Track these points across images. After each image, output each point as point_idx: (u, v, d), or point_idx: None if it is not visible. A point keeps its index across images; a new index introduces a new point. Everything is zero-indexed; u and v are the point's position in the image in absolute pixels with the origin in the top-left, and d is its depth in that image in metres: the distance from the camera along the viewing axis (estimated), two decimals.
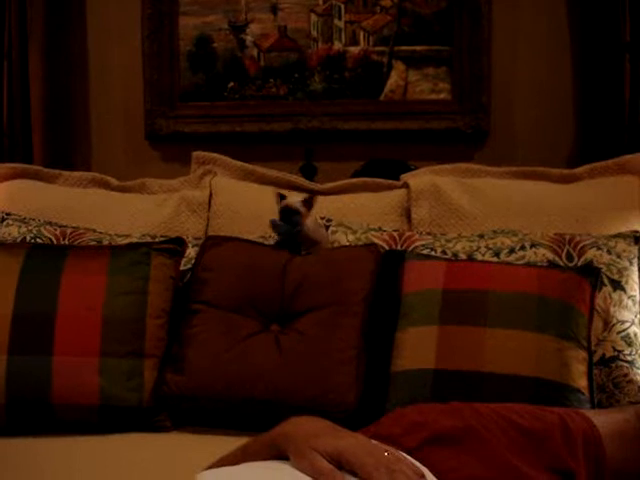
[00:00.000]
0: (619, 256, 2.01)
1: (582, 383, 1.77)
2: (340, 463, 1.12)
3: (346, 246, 2.10)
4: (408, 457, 1.21)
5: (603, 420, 1.50)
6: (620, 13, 2.46)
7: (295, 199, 2.09)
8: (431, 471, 1.27)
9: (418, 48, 2.71)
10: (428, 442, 1.33)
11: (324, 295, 1.91)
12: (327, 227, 2.18)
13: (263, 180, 2.43)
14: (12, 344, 1.86)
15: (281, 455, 1.19)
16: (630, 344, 1.93)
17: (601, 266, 1.97)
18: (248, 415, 1.85)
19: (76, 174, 2.54)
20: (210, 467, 1.26)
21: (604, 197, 2.26)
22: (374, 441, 1.21)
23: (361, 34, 2.72)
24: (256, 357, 1.87)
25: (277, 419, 1.80)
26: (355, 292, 1.91)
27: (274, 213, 2.17)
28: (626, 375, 1.90)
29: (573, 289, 1.86)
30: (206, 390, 1.88)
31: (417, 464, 1.21)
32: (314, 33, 2.73)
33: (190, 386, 1.88)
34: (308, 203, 2.07)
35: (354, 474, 1.10)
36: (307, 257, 2.02)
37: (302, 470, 1.12)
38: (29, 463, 1.69)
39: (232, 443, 1.68)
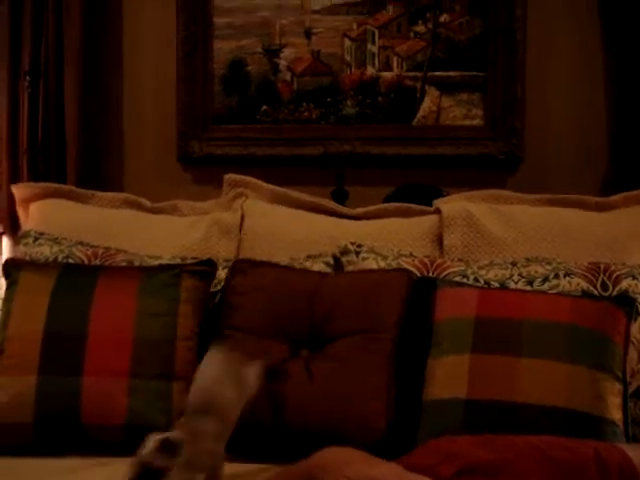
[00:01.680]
0: None
1: (617, 415, 1.74)
2: None
3: (377, 270, 2.09)
4: None
5: (638, 454, 1.47)
6: None
7: (151, 446, 1.40)
8: None
9: (452, 74, 2.70)
10: (463, 472, 1.32)
11: (355, 320, 1.90)
12: (357, 253, 2.16)
13: (294, 204, 2.43)
14: (43, 363, 1.87)
15: None
16: None
17: (636, 296, 1.94)
18: (277, 442, 1.83)
19: (109, 195, 2.56)
20: None
21: (638, 225, 2.23)
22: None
23: (395, 59, 2.72)
24: (286, 383, 1.85)
25: (306, 447, 1.80)
26: (386, 317, 1.90)
27: (305, 236, 2.17)
28: None
29: (608, 319, 1.83)
30: None
31: None
32: (347, 58, 2.73)
33: None
34: (169, 448, 1.40)
35: None
36: (338, 280, 2.01)
37: None
38: None
39: (259, 472, 1.68)
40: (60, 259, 2.22)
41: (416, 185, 2.63)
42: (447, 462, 1.35)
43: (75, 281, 2.00)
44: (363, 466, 1.17)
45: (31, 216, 2.50)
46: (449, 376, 1.81)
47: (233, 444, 1.82)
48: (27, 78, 2.72)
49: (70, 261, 2.21)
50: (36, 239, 2.32)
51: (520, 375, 1.75)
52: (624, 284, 1.97)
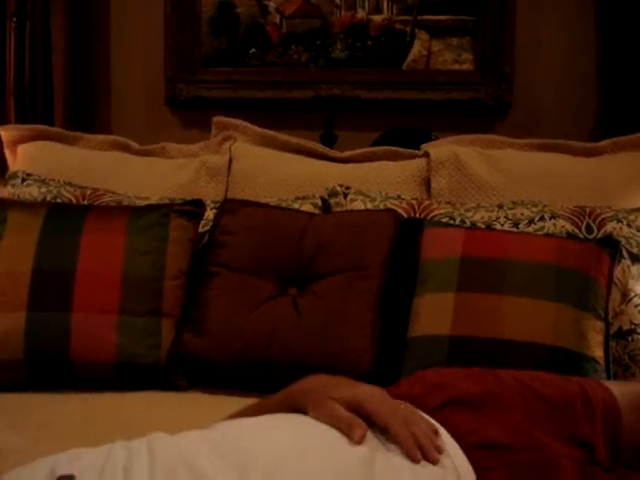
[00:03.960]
0: (639, 229, 2.00)
1: (598, 353, 1.77)
2: (357, 411, 1.13)
3: (365, 210, 2.10)
4: (423, 414, 1.22)
5: (622, 391, 1.49)
6: None
7: None
8: (449, 432, 1.27)
9: (442, 18, 2.69)
10: (448, 404, 1.33)
11: (342, 259, 1.91)
12: (345, 195, 2.17)
13: (283, 147, 2.42)
14: (31, 301, 1.87)
15: (298, 411, 1.20)
16: None
17: (621, 239, 1.96)
18: (264, 376, 1.86)
19: (97, 137, 2.55)
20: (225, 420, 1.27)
21: (626, 171, 2.25)
22: None
23: (385, 3, 2.70)
24: (273, 320, 1.88)
25: (293, 381, 1.83)
26: (374, 256, 1.91)
27: (293, 179, 2.17)
28: None
29: (592, 260, 1.85)
30: (222, 351, 1.89)
31: (433, 422, 1.22)
32: (337, 0, 2.71)
33: (207, 347, 1.90)
34: None
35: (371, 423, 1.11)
36: (325, 220, 2.02)
37: (321, 419, 1.13)
38: (46, 418, 1.70)
39: (247, 403, 1.71)
40: (48, 199, 2.22)
41: (405, 129, 2.64)
42: (432, 393, 1.36)
43: (63, 220, 1.99)
44: (346, 387, 1.19)
45: (19, 158, 2.50)
46: (434, 313, 1.83)
47: (230, 376, 1.86)
48: (14, 19, 2.69)
49: (58, 201, 2.21)
50: (24, 180, 2.32)
51: (504, 313, 1.77)
52: (609, 227, 1.99)
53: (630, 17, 2.51)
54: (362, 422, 1.11)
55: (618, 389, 1.50)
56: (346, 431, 1.09)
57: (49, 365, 1.87)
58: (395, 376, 1.71)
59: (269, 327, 1.86)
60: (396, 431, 1.11)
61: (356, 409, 1.13)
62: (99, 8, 2.80)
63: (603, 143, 2.34)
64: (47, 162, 2.42)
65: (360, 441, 1.08)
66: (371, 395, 1.16)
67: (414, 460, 1.10)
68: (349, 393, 1.15)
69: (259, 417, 1.20)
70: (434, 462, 1.12)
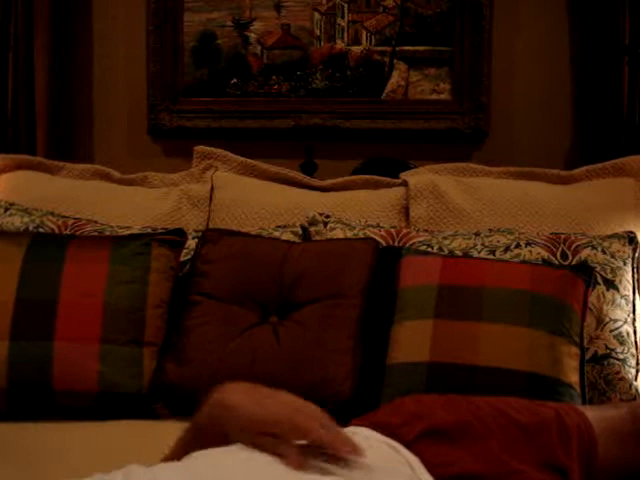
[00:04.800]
0: (613, 256, 2.03)
1: (574, 378, 1.80)
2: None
3: (345, 239, 2.13)
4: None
5: (597, 416, 1.52)
6: (620, 16, 2.48)
7: None
8: (424, 464, 1.30)
9: (420, 48, 2.74)
10: (424, 435, 1.36)
11: (322, 287, 1.94)
12: (325, 223, 2.20)
13: (264, 175, 2.45)
14: (14, 330, 1.88)
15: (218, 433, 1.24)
16: (622, 342, 1.95)
17: (595, 265, 1.99)
18: None
19: (79, 166, 2.56)
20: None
21: (601, 198, 2.28)
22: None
23: (364, 34, 2.75)
24: (254, 348, 1.89)
25: None
26: (353, 285, 1.94)
27: (274, 207, 2.20)
28: (618, 373, 1.93)
29: (567, 287, 1.88)
30: (204, 380, 1.89)
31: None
32: (317, 32, 2.76)
33: (189, 376, 1.91)
34: None
35: None
36: (305, 249, 2.05)
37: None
38: (28, 448, 1.70)
39: None
40: (31, 229, 2.23)
41: (384, 158, 2.67)
42: (410, 423, 1.38)
43: (46, 249, 2.01)
44: (256, 409, 1.24)
45: (1, 187, 2.50)
46: (412, 341, 1.85)
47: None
48: None
49: (41, 231, 2.22)
50: (6, 209, 2.33)
51: (481, 339, 1.80)
52: (583, 254, 2.02)
53: (605, 47, 2.56)
54: (293, 448, 1.14)
55: (593, 414, 1.53)
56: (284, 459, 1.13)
57: (31, 394, 1.88)
58: (375, 403, 1.74)
59: (250, 356, 1.88)
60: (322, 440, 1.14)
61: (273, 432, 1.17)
62: (82, 38, 2.83)
63: (578, 171, 2.38)
64: (30, 191, 2.43)
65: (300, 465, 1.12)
66: (280, 413, 1.20)
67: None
68: (259, 420, 1.19)
69: (234, 447, 1.22)
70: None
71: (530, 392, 1.71)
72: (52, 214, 2.30)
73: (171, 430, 1.82)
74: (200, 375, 1.89)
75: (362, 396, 1.83)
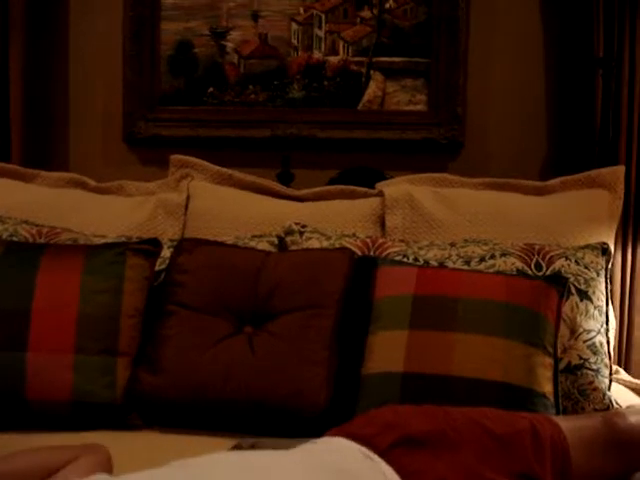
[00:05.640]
0: (587, 267, 2.05)
1: (547, 388, 1.81)
2: None
3: (320, 249, 2.13)
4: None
5: (571, 427, 1.53)
6: (594, 29, 2.51)
7: None
8: (399, 472, 1.30)
9: (396, 59, 2.75)
10: (399, 444, 1.36)
11: (297, 297, 1.94)
12: (301, 233, 2.20)
13: (240, 185, 2.45)
14: None
15: None
16: (595, 353, 1.97)
17: (569, 276, 2.01)
18: (219, 415, 1.87)
19: (54, 174, 2.55)
20: None
21: (574, 209, 2.31)
22: None
23: (341, 44, 2.76)
24: (229, 358, 1.89)
25: (248, 419, 1.85)
26: (328, 294, 1.94)
27: (250, 217, 2.19)
28: (591, 383, 1.94)
29: (541, 297, 1.90)
30: (179, 390, 1.89)
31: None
32: (294, 41, 2.76)
33: (163, 386, 1.90)
34: None
35: None
36: (281, 259, 2.05)
37: None
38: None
39: (202, 442, 1.72)
40: (4, 237, 2.21)
41: (360, 168, 2.68)
42: (384, 433, 1.39)
43: (19, 258, 1.99)
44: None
45: None
46: (387, 351, 1.86)
47: (186, 415, 1.87)
48: None
49: (14, 239, 2.20)
50: None
51: (455, 350, 1.81)
52: (557, 264, 2.04)
53: (579, 59, 2.59)
54: None
55: (567, 425, 1.55)
56: None
57: (4, 404, 1.87)
58: (350, 413, 1.74)
59: (224, 366, 1.87)
60: None
61: None
62: (58, 45, 2.81)
63: (552, 182, 2.41)
64: (4, 199, 2.41)
65: None
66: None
67: None
68: None
69: (210, 456, 1.22)
70: None
71: (504, 402, 1.71)
72: (26, 222, 2.29)
73: (145, 440, 1.83)
74: (175, 385, 1.89)
75: (337, 406, 1.84)
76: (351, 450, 1.30)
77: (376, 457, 1.28)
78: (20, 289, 1.93)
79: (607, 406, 1.94)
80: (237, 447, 1.49)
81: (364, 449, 1.33)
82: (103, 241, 2.18)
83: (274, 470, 1.21)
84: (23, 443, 1.75)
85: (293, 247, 2.18)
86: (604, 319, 2.04)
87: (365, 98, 2.76)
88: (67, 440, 1.78)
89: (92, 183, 2.51)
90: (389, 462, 1.31)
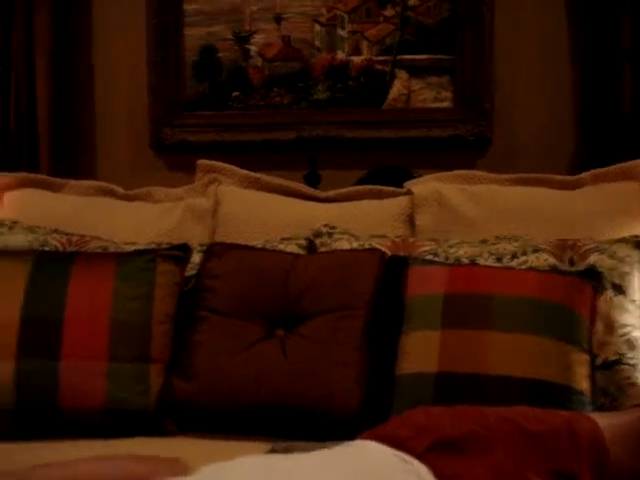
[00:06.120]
0: (621, 261, 2.02)
1: (584, 386, 1.78)
2: None
3: (350, 250, 2.12)
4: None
5: (608, 423, 1.51)
6: (620, 20, 2.48)
7: None
8: (436, 475, 1.29)
9: (421, 57, 2.73)
10: (434, 447, 1.35)
11: (328, 299, 1.93)
12: (330, 235, 2.19)
13: (268, 188, 2.45)
14: (20, 348, 1.88)
15: None
16: (632, 348, 1.94)
17: (603, 270, 1.98)
18: (252, 420, 1.87)
19: (82, 183, 2.56)
20: None
21: (606, 203, 2.27)
22: None
23: (364, 44, 2.75)
24: (261, 362, 1.89)
25: (281, 423, 1.84)
26: (359, 296, 1.93)
27: (279, 220, 2.19)
28: (628, 378, 1.91)
29: (575, 293, 1.87)
30: (212, 396, 1.90)
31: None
32: (317, 43, 2.76)
33: (196, 392, 1.90)
34: None
35: None
36: (311, 261, 2.04)
37: None
38: None
39: (236, 447, 1.71)
40: (35, 247, 2.22)
41: (387, 168, 2.67)
42: (420, 436, 1.38)
43: (51, 267, 2.01)
44: None
45: (5, 206, 2.50)
46: (420, 351, 1.84)
47: (220, 420, 1.87)
48: None
49: (45, 249, 2.21)
50: (10, 228, 2.32)
51: (489, 348, 1.79)
52: (591, 259, 2.01)
53: (606, 51, 2.56)
54: None
55: (604, 421, 1.52)
56: None
57: (38, 413, 1.88)
58: (384, 415, 1.73)
59: (257, 370, 1.87)
60: None
61: None
62: (83, 54, 2.83)
63: (583, 176, 2.37)
64: (33, 209, 2.43)
65: None
66: None
67: None
68: None
69: (241, 461, 1.21)
70: None
71: (540, 400, 1.69)
72: (56, 231, 2.30)
73: (180, 446, 1.82)
74: (207, 391, 1.89)
75: (370, 409, 1.82)
76: (384, 453, 1.29)
77: (411, 459, 1.27)
78: (52, 298, 1.94)
79: None
80: (271, 452, 1.49)
81: (399, 452, 1.32)
82: (133, 248, 2.19)
83: (297, 473, 1.20)
84: (57, 451, 1.76)
85: (322, 249, 2.17)
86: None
87: (390, 97, 2.75)
88: (101, 447, 1.79)
89: (120, 191, 2.52)
90: (425, 465, 1.30)
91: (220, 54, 2.78)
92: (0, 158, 2.72)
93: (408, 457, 1.26)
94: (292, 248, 2.17)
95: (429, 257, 2.06)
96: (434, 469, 1.28)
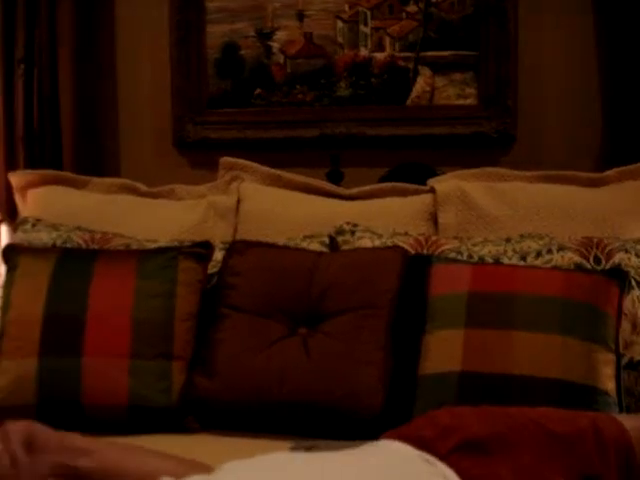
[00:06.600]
0: None
1: (610, 386, 1.76)
2: None
3: (373, 248, 2.11)
4: None
5: (635, 425, 1.49)
6: None
7: None
8: (461, 477, 1.28)
9: (444, 53, 2.71)
10: (459, 448, 1.34)
11: (351, 297, 1.92)
12: (353, 233, 2.18)
13: (290, 185, 2.44)
14: (43, 346, 1.90)
15: None
16: None
17: (629, 269, 1.96)
18: (275, 418, 1.86)
19: (105, 180, 2.58)
20: None
21: (633, 200, 2.25)
22: None
23: (387, 40, 2.73)
24: (284, 360, 1.88)
25: (304, 421, 1.84)
26: (382, 294, 1.92)
27: (301, 217, 2.18)
28: None
29: (600, 292, 1.85)
30: (234, 393, 1.90)
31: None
32: (340, 39, 2.74)
33: (218, 389, 1.90)
34: None
35: None
36: (333, 259, 2.03)
37: None
38: None
39: (258, 445, 1.71)
40: (58, 244, 2.24)
41: (410, 165, 2.65)
42: (444, 437, 1.37)
43: (74, 264, 2.02)
44: None
45: (29, 203, 2.52)
46: (444, 350, 1.83)
47: (242, 418, 1.86)
48: (21, 66, 2.73)
49: (68, 246, 2.22)
50: (34, 225, 2.34)
51: (514, 348, 1.78)
52: (617, 258, 1.99)
53: (633, 46, 2.52)
54: None
55: (631, 423, 1.50)
56: None
57: (61, 409, 1.89)
58: (407, 415, 1.72)
59: (279, 368, 1.87)
60: None
61: None
62: (106, 53, 2.84)
63: (609, 173, 2.34)
64: (57, 207, 2.45)
65: None
66: None
67: None
68: None
69: (264, 457, 1.21)
70: None
71: (565, 401, 1.68)
72: (79, 229, 2.31)
73: (202, 444, 1.83)
74: (230, 388, 1.89)
75: (393, 408, 1.82)
76: (409, 455, 1.28)
77: (437, 461, 1.26)
78: (75, 295, 1.95)
79: None
80: (293, 450, 1.48)
81: (423, 453, 1.31)
82: (155, 245, 2.19)
83: (320, 472, 1.19)
84: None
85: (345, 247, 2.16)
86: None
87: (413, 94, 2.73)
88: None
89: (143, 188, 2.53)
90: (450, 466, 1.29)
91: (242, 51, 2.78)
92: (24, 156, 2.73)
93: (432, 458, 1.25)
94: (314, 246, 2.16)
95: (452, 255, 2.04)
96: (458, 470, 1.26)
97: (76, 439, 1.34)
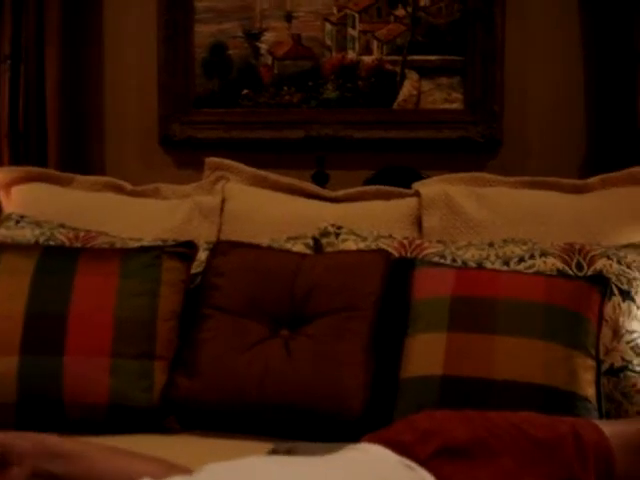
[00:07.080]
0: (629, 266, 2.01)
1: (589, 392, 1.77)
2: None
3: (356, 251, 2.11)
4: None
5: (614, 431, 1.50)
6: (633, 21, 2.46)
7: None
8: None
9: (431, 58, 2.72)
10: (439, 453, 1.34)
11: (334, 300, 1.92)
12: (337, 235, 2.19)
13: (275, 187, 2.44)
14: (24, 343, 1.88)
15: None
16: (639, 354, 1.92)
17: (611, 276, 1.97)
18: (256, 419, 1.86)
19: (90, 178, 2.57)
20: None
21: (615, 208, 2.26)
22: None
23: (375, 43, 2.74)
24: (265, 362, 1.88)
25: (284, 423, 1.84)
26: (365, 296, 1.92)
27: (286, 219, 2.18)
28: (634, 385, 1.90)
29: (582, 298, 1.86)
30: (215, 394, 1.89)
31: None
32: (328, 42, 2.75)
33: (200, 390, 1.90)
34: None
35: None
36: (317, 261, 2.03)
37: None
38: None
39: (239, 446, 1.71)
40: (41, 241, 2.22)
41: (396, 168, 2.66)
42: (423, 442, 1.37)
43: (56, 262, 2.00)
44: None
45: (13, 200, 2.51)
46: (426, 354, 1.83)
47: (223, 419, 1.86)
48: (8, 62, 2.72)
49: (51, 243, 2.21)
50: (17, 222, 2.33)
51: (495, 352, 1.78)
52: (599, 264, 1.99)
53: (618, 53, 2.54)
54: None
55: (610, 429, 1.51)
56: None
57: (41, 408, 1.88)
58: (388, 417, 1.72)
59: (261, 369, 1.86)
60: None
61: None
62: (93, 49, 2.83)
63: (592, 180, 2.36)
64: (41, 204, 2.43)
65: None
66: None
67: None
68: None
69: (243, 460, 1.21)
70: None
71: (546, 406, 1.68)
72: (63, 226, 2.30)
73: (182, 444, 1.82)
74: (211, 389, 1.89)
75: (375, 410, 1.82)
76: (390, 460, 1.28)
77: (417, 466, 1.26)
78: (57, 293, 1.94)
79: None
80: (273, 452, 1.48)
81: (403, 459, 1.31)
82: (139, 244, 2.18)
83: (299, 475, 1.19)
84: None
85: (329, 249, 2.16)
86: None
87: (400, 97, 2.74)
88: (102, 443, 1.79)
89: (128, 186, 2.52)
90: (430, 471, 1.29)
91: (230, 51, 2.77)
92: (9, 152, 2.72)
93: (412, 463, 1.25)
94: (298, 247, 2.16)
95: (436, 259, 2.05)
96: (439, 475, 1.27)
97: (56, 442, 1.33)
